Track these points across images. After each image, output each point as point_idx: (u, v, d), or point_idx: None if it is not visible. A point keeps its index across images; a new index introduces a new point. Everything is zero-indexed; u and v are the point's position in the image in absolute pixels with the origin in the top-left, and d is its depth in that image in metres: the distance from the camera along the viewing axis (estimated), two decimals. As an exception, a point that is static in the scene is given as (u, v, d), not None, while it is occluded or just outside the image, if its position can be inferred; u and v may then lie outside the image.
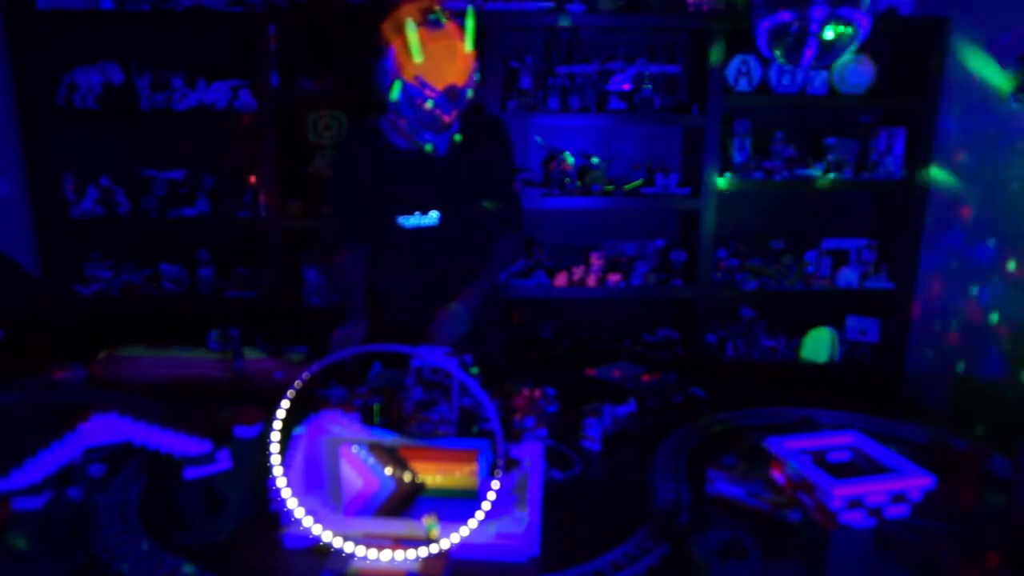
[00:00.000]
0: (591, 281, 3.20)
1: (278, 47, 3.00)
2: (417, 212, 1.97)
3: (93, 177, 3.20)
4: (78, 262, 3.23)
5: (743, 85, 3.07)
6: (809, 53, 2.13)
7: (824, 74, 3.08)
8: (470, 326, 1.93)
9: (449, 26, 1.72)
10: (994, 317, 2.81)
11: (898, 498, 1.02)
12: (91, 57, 3.08)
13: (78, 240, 3.23)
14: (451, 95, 1.73)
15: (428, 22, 1.70)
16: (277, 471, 1.12)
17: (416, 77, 1.71)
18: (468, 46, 1.73)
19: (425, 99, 1.74)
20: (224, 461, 1.23)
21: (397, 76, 1.74)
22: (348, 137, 2.04)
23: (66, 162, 3.15)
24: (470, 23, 1.72)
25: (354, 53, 3.17)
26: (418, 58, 1.68)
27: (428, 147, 1.87)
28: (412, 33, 1.67)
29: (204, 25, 3.09)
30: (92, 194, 3.15)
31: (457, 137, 1.88)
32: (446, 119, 1.80)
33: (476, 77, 1.78)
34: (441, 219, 1.98)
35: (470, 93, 1.78)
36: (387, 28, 1.73)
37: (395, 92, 1.76)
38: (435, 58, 1.69)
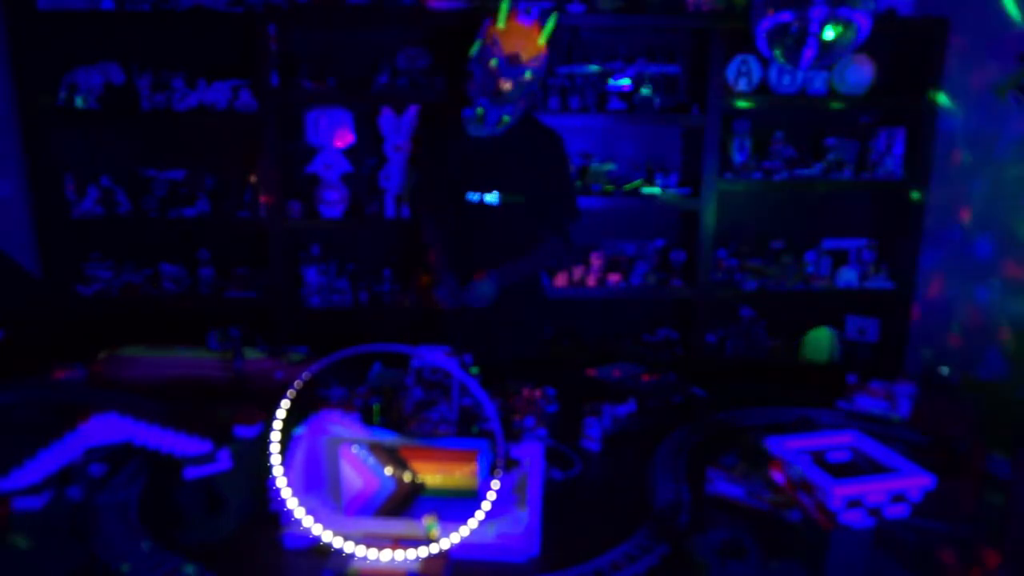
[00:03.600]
0: (591, 281, 3.20)
1: (278, 47, 3.00)
2: (478, 191, 2.25)
3: (93, 177, 3.20)
4: (78, 262, 3.22)
5: (743, 85, 3.07)
6: (809, 53, 2.12)
7: (824, 74, 3.08)
8: (494, 299, 2.20)
9: (535, 23, 2.17)
10: (994, 317, 2.81)
11: (898, 498, 1.02)
12: (92, 57, 3.08)
13: (78, 240, 3.23)
14: (512, 60, 2.09)
15: (520, 10, 2.17)
16: (277, 471, 1.12)
17: (492, 38, 2.12)
18: (541, 40, 2.14)
19: (491, 56, 2.10)
20: (224, 461, 1.24)
21: (481, 39, 2.15)
22: (436, 118, 2.37)
23: (67, 162, 3.14)
24: (550, 24, 2.18)
25: (355, 53, 3.18)
26: (501, 24, 2.11)
27: (480, 110, 2.16)
28: (505, 6, 2.10)
29: (204, 25, 3.09)
30: (92, 194, 3.15)
31: (505, 118, 2.18)
32: (501, 84, 2.11)
33: (539, 71, 2.16)
34: (498, 200, 2.25)
35: (528, 75, 2.12)
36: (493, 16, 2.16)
37: (474, 49, 2.16)
38: (511, 31, 2.11)
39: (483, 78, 2.14)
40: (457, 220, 2.32)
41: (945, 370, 1.90)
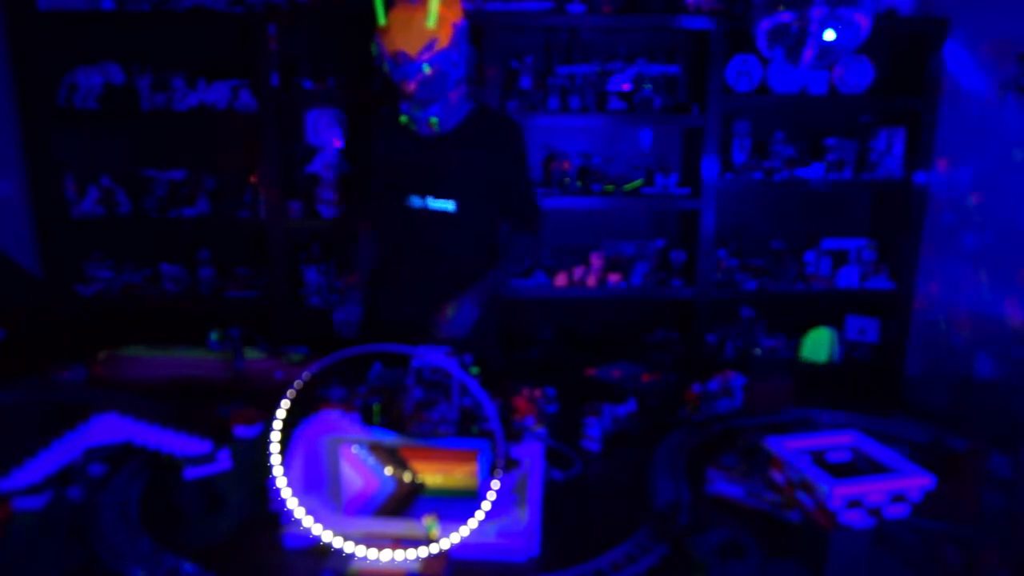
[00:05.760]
0: (591, 281, 3.20)
1: (278, 47, 3.01)
2: (428, 196, 2.02)
3: (94, 177, 3.20)
4: (79, 262, 3.23)
5: (743, 85, 3.07)
6: (809, 53, 2.13)
7: (824, 74, 3.08)
8: (474, 323, 1.96)
9: (421, 3, 1.80)
10: (994, 317, 2.81)
11: (898, 498, 1.02)
12: (92, 57, 3.08)
13: (79, 240, 3.23)
14: (397, 60, 1.81)
15: None
16: (277, 471, 1.12)
17: (377, 39, 1.85)
18: (429, 22, 1.79)
19: (382, 62, 1.85)
20: (224, 461, 1.24)
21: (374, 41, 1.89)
22: (376, 118, 2.12)
23: (67, 162, 3.14)
24: (434, 3, 1.79)
25: (355, 53, 3.18)
26: (381, 21, 1.83)
27: (403, 119, 1.95)
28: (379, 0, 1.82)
29: (204, 25, 3.09)
30: (93, 194, 3.15)
31: (433, 120, 1.92)
32: (405, 88, 1.85)
33: (440, 60, 1.83)
34: (454, 207, 2.02)
35: (426, 69, 1.81)
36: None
37: (374, 48, 1.88)
38: (392, 23, 1.82)
39: (393, 83, 1.89)
40: (404, 230, 2.07)
41: (758, 351, 1.94)
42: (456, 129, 2.00)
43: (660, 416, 1.69)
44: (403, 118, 1.94)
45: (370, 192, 2.15)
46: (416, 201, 2.03)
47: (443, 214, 2.02)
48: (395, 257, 2.13)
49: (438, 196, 2.01)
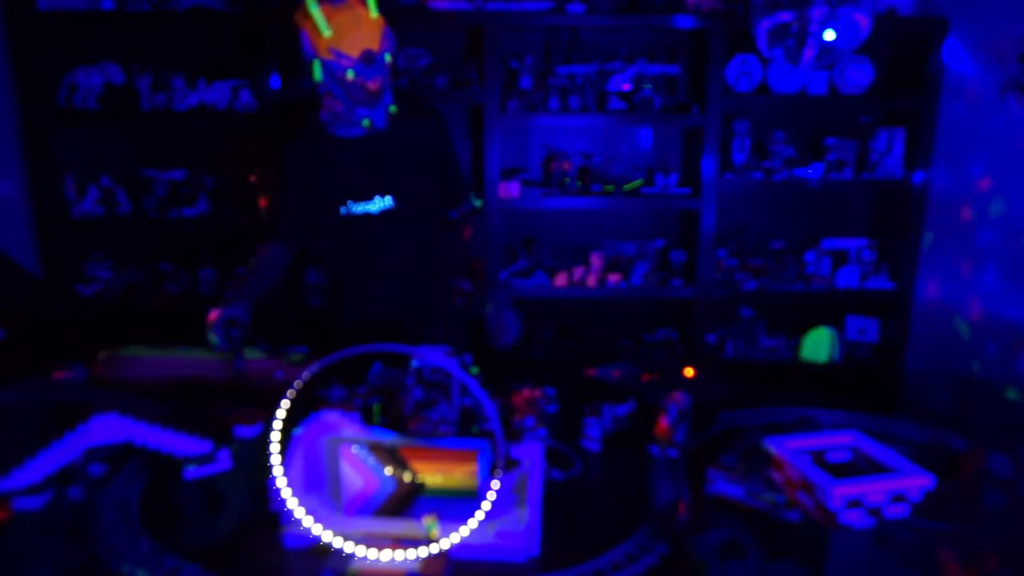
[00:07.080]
0: (591, 281, 3.20)
1: (278, 47, 3.00)
2: (363, 200, 1.99)
3: (94, 177, 3.20)
4: (79, 262, 3.23)
5: (743, 85, 3.07)
6: (809, 53, 2.12)
7: (824, 74, 3.08)
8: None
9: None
10: (994, 317, 2.81)
11: (898, 498, 1.02)
12: (92, 57, 3.08)
13: (79, 240, 3.24)
14: (367, 59, 1.78)
15: None
16: (277, 471, 1.12)
17: (330, 50, 1.77)
18: (373, 13, 1.79)
19: (344, 69, 1.79)
20: (224, 461, 1.24)
21: (315, 56, 1.80)
22: (293, 137, 2.04)
23: (67, 162, 3.15)
24: None
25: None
26: (327, 32, 1.75)
27: (366, 122, 1.90)
28: (315, 10, 1.75)
29: (204, 25, 3.09)
30: (93, 194, 3.15)
31: (392, 108, 1.91)
32: (370, 86, 1.82)
33: (391, 43, 1.84)
34: (392, 205, 2.00)
35: (388, 58, 1.81)
36: (297, 15, 1.80)
37: (317, 72, 1.82)
38: (343, 28, 1.76)
39: (349, 91, 1.83)
40: (341, 240, 2.04)
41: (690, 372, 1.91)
42: (385, 127, 1.95)
43: (636, 443, 1.57)
44: (365, 122, 1.89)
45: (287, 210, 2.05)
46: (347, 208, 1.98)
47: (382, 213, 1.99)
48: (346, 267, 2.10)
49: (375, 196, 1.98)
